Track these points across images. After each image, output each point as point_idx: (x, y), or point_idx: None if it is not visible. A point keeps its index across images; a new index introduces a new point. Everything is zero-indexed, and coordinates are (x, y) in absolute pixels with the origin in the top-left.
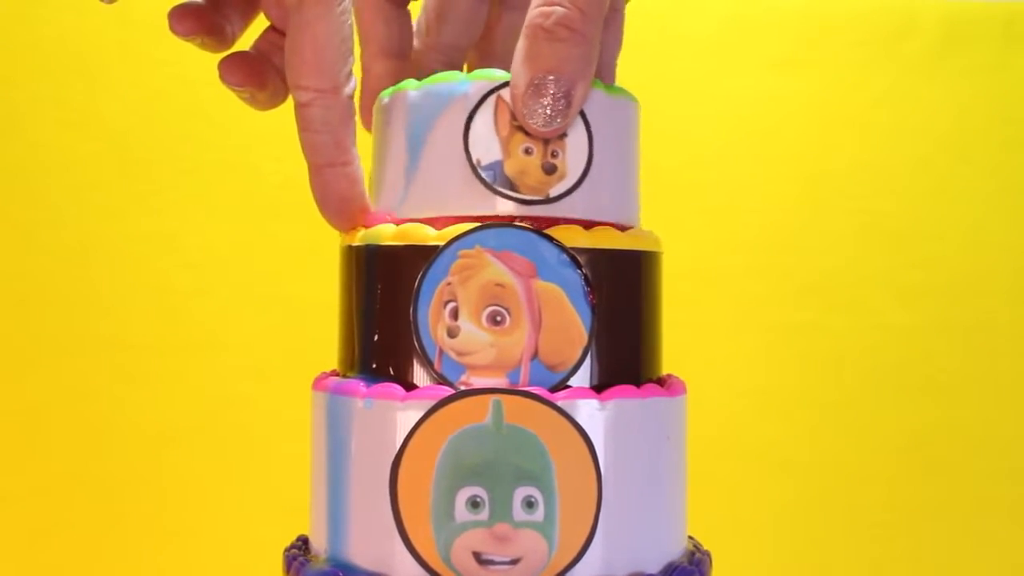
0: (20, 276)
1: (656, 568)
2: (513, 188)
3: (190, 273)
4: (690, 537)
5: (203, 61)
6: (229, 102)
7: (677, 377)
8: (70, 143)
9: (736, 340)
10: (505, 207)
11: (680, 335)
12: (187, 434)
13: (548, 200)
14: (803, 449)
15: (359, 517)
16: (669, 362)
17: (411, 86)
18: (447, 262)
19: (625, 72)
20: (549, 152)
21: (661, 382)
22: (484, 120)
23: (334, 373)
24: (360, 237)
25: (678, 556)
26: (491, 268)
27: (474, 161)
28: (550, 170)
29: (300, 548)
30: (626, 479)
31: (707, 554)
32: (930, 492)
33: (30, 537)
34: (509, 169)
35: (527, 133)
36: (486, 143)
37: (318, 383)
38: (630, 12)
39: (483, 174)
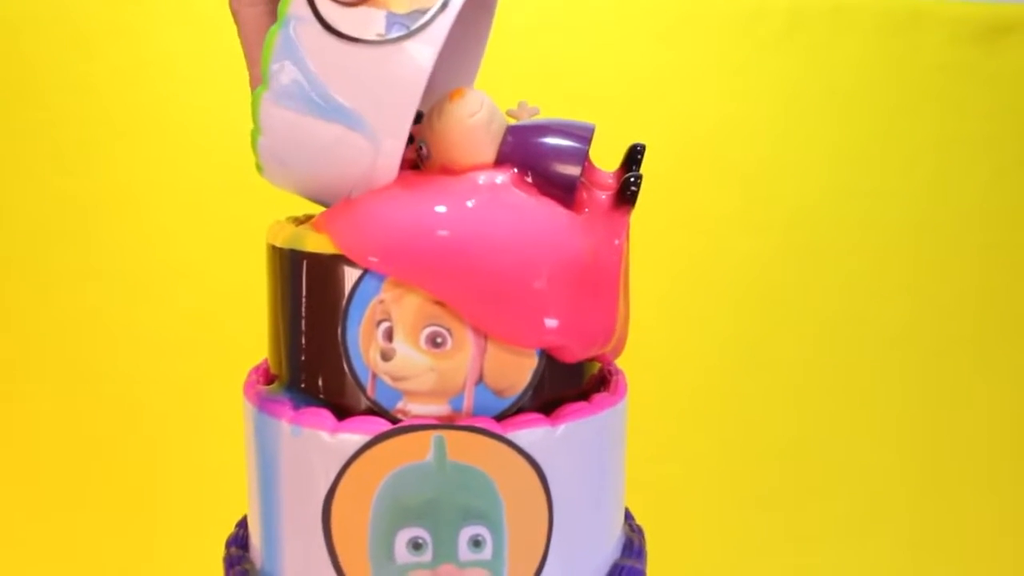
0: None
1: (603, 574)
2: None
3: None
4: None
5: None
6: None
7: (616, 368)
8: None
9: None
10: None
11: None
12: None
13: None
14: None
15: (293, 549)
16: None
17: None
18: (380, 277)
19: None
20: None
21: (604, 382)
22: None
23: (267, 371)
24: (284, 239)
25: (619, 549)
26: None
27: (375, 36)
28: None
29: (241, 547)
30: (577, 499)
31: (639, 531)
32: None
33: None
34: (400, 7)
35: None
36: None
37: (248, 387)
38: None
39: (394, 34)
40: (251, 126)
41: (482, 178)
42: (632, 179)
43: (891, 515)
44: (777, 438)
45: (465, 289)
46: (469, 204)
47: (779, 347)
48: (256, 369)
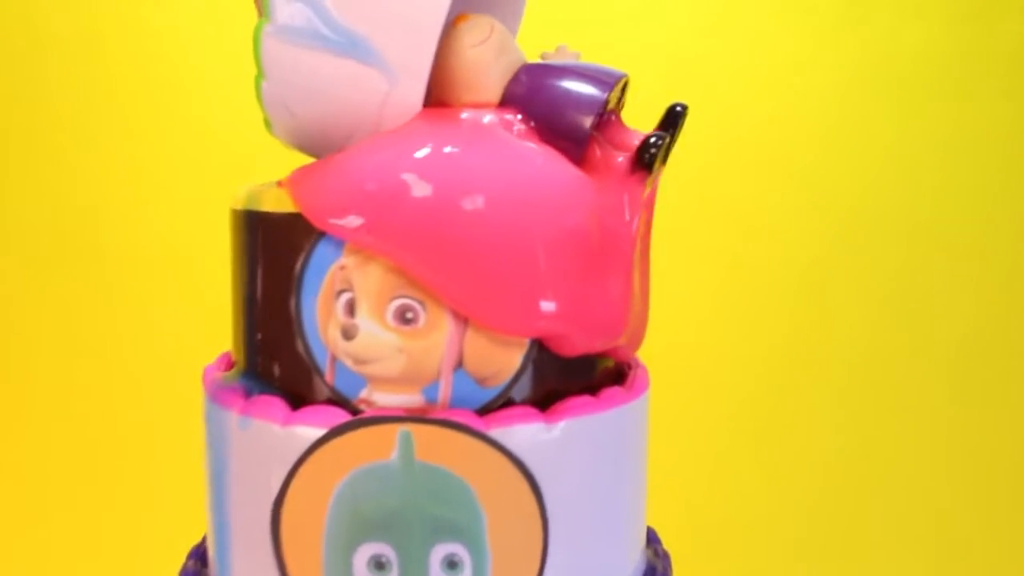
0: None
1: None
2: None
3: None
4: (648, 536)
5: None
6: None
7: (636, 361)
8: None
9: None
10: None
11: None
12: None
13: None
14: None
15: (241, 563)
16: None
17: None
18: (340, 239)
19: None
20: None
21: (621, 375)
22: None
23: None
24: (242, 199)
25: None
26: None
27: None
28: None
29: (200, 559)
30: (580, 516)
31: (665, 557)
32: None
33: None
34: None
35: None
36: None
37: (206, 374)
38: None
39: None
40: (254, 72)
41: (466, 115)
42: (653, 139)
43: (947, 525)
44: (827, 450)
45: (439, 260)
46: (447, 150)
47: (832, 349)
48: (224, 355)
